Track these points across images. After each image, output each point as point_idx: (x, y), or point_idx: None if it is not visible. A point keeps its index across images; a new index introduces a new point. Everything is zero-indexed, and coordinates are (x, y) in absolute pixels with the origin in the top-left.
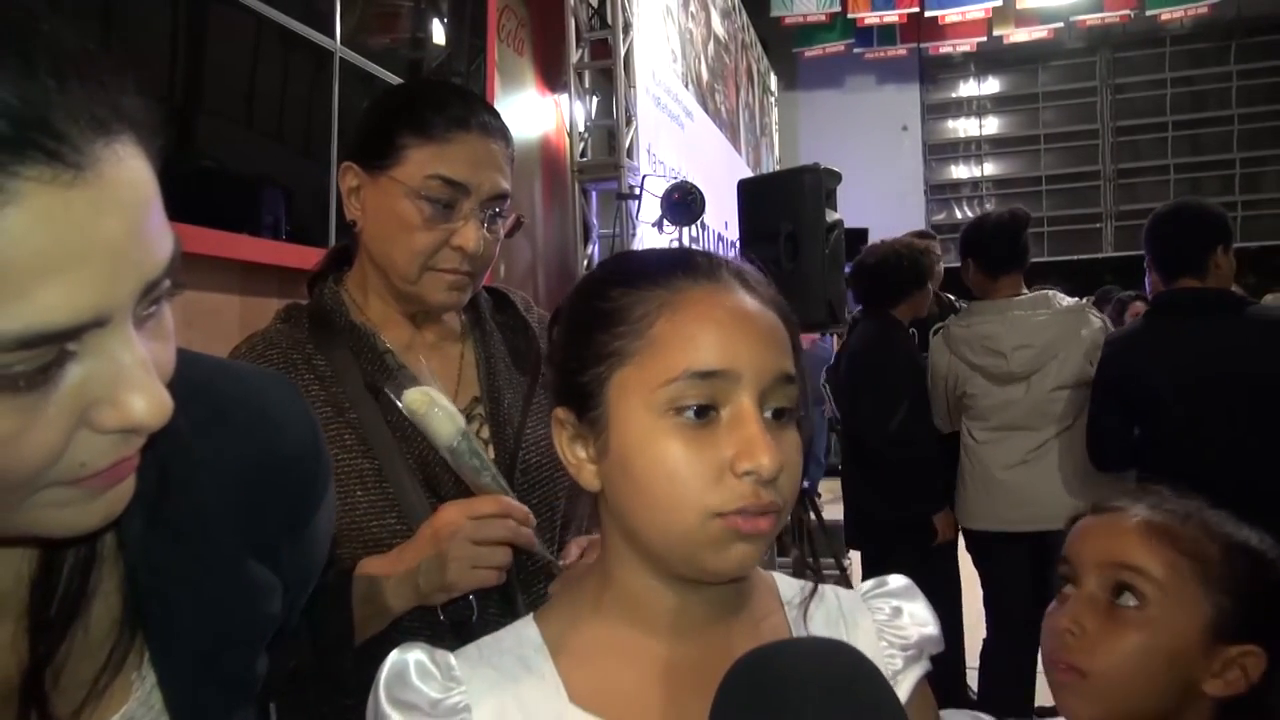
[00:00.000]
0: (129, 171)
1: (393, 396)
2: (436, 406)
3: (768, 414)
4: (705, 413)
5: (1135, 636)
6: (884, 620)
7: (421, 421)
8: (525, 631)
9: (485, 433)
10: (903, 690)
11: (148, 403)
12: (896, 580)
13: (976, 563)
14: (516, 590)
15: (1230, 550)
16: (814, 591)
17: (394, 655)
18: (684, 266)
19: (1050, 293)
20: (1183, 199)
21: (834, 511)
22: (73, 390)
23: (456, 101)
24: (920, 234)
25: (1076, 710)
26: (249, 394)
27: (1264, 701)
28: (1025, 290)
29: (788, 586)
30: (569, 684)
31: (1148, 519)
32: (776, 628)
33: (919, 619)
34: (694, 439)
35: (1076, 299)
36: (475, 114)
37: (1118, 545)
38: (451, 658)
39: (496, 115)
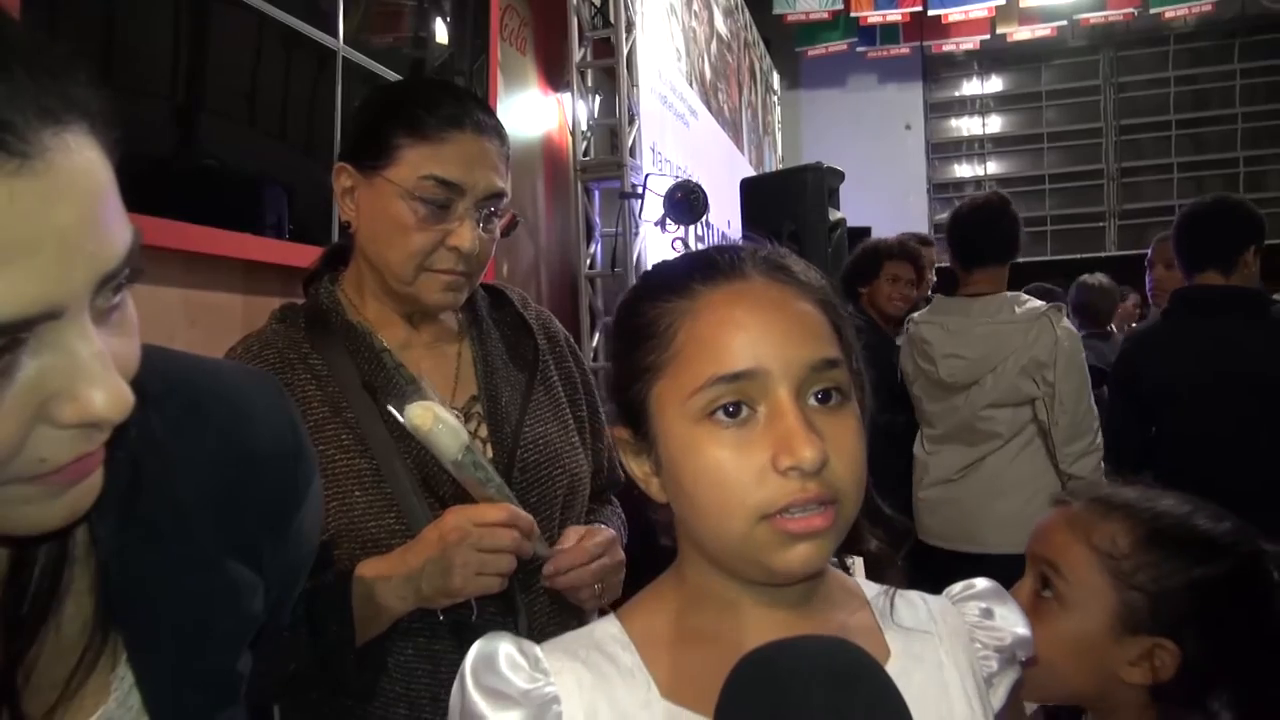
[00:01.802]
0: (81, 161)
1: (395, 412)
2: (440, 422)
3: (813, 400)
4: (739, 410)
5: (1050, 626)
6: (975, 622)
7: (425, 438)
8: (609, 629)
9: (483, 431)
10: (999, 694)
11: (106, 396)
12: (983, 582)
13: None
14: (516, 592)
15: (1146, 544)
16: (896, 593)
17: (480, 644)
18: (702, 270)
19: (1014, 296)
20: (1221, 195)
21: None
22: (28, 384)
23: (449, 100)
24: (920, 239)
25: (1027, 692)
26: (227, 391)
27: (1199, 694)
28: (1004, 288)
29: (869, 588)
30: (657, 678)
31: (1073, 513)
32: (865, 624)
33: (1011, 620)
34: (734, 442)
35: (1043, 304)
36: (469, 112)
37: (1044, 540)
38: (538, 650)
39: (491, 113)
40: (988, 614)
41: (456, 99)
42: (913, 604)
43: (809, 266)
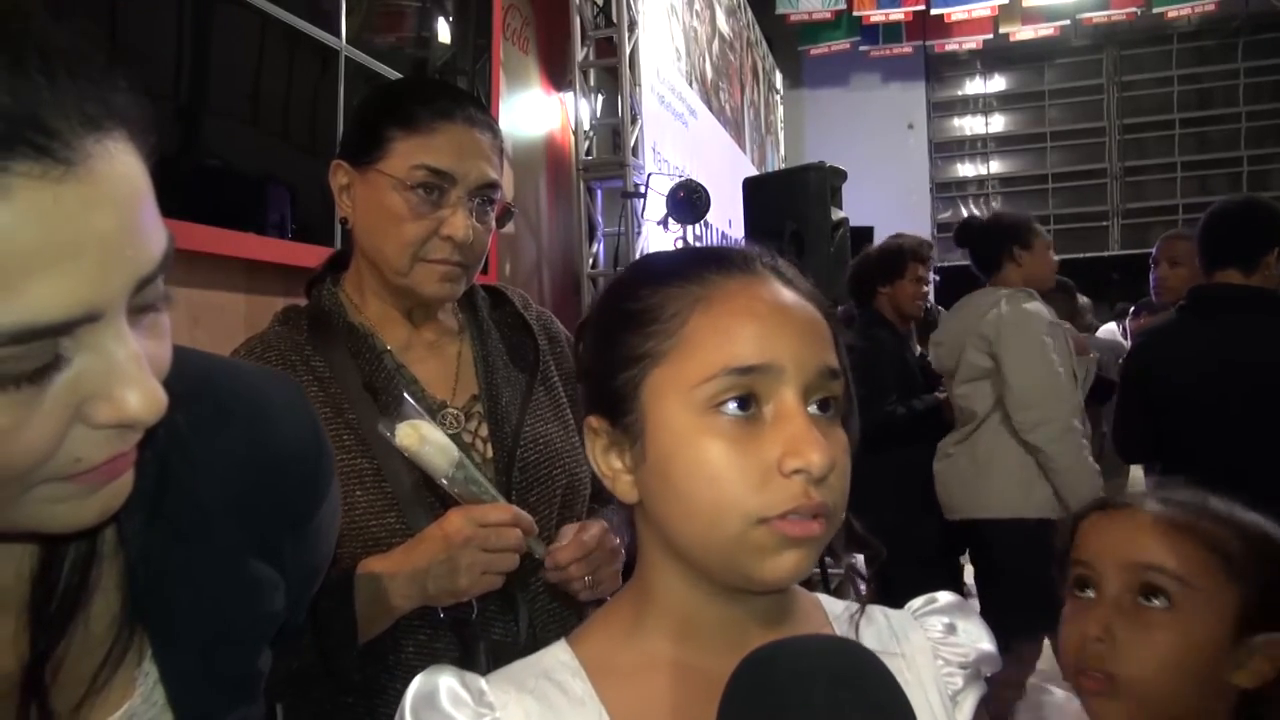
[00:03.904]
0: (121, 167)
1: (386, 434)
2: (428, 442)
3: (813, 409)
4: (747, 404)
5: (1168, 637)
6: (938, 638)
7: (416, 458)
8: (560, 656)
9: (483, 430)
10: (964, 711)
11: (141, 397)
12: (946, 596)
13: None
14: (516, 590)
15: (1248, 539)
16: (862, 609)
17: (421, 679)
18: (716, 261)
19: (964, 299)
20: (1251, 195)
21: None
22: (67, 385)
23: (441, 95)
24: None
25: (1109, 716)
26: (250, 392)
27: None
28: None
29: (833, 604)
30: (610, 708)
31: (1165, 515)
32: None
33: (974, 635)
34: (737, 439)
35: (1017, 289)
36: (460, 106)
37: (1137, 545)
38: (483, 682)
39: (483, 109)
40: (950, 629)
41: (448, 94)
42: (874, 621)
43: (805, 276)
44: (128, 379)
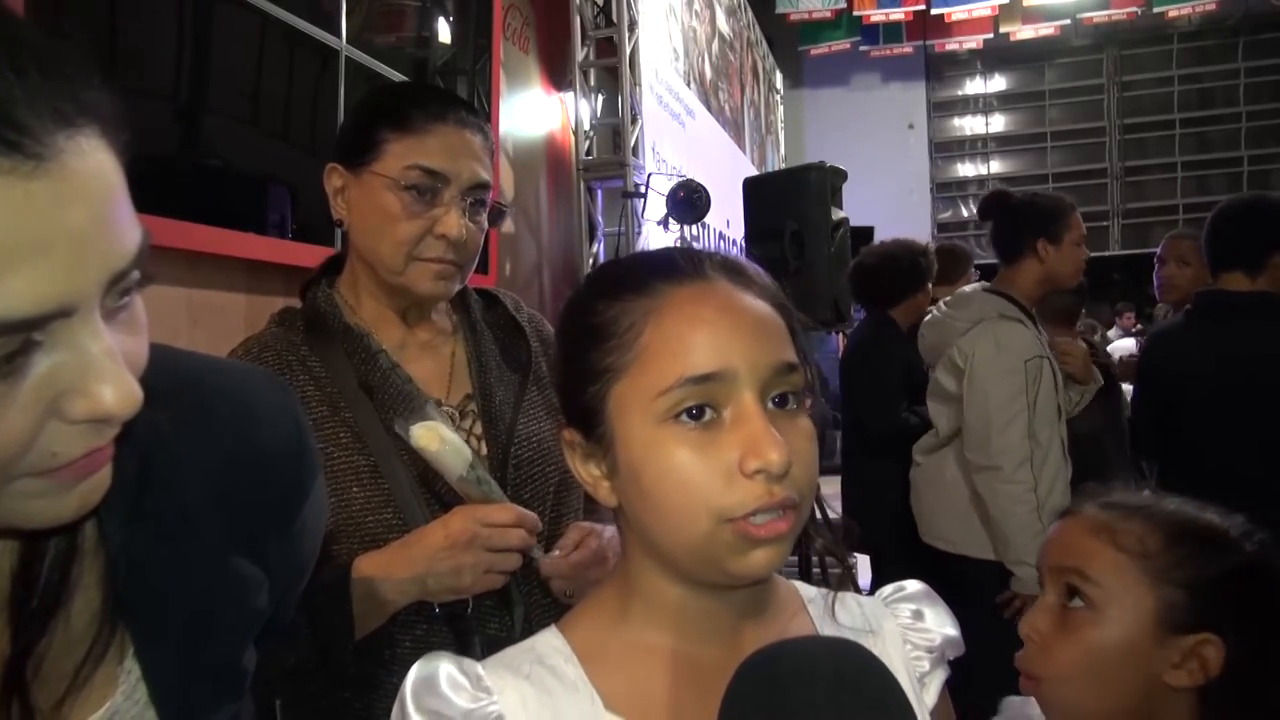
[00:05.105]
0: (93, 163)
1: (401, 433)
2: (444, 442)
3: (771, 404)
4: (703, 413)
5: (1084, 637)
6: (907, 623)
7: (432, 458)
8: (552, 641)
9: (478, 429)
10: (930, 693)
11: (116, 392)
12: (914, 585)
13: None
14: (514, 586)
15: (1175, 541)
16: (836, 596)
17: (420, 665)
18: (665, 270)
19: (968, 290)
20: (1259, 193)
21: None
22: (41, 380)
23: (434, 98)
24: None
25: (1049, 715)
26: (233, 390)
27: (1250, 687)
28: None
29: (807, 590)
30: (602, 691)
31: (1091, 519)
32: (804, 627)
33: (940, 621)
34: (699, 443)
35: (1002, 314)
36: (452, 108)
37: (1064, 549)
38: (480, 668)
39: (475, 111)
40: (918, 615)
41: (441, 97)
42: (849, 607)
43: (760, 271)
44: (102, 374)
